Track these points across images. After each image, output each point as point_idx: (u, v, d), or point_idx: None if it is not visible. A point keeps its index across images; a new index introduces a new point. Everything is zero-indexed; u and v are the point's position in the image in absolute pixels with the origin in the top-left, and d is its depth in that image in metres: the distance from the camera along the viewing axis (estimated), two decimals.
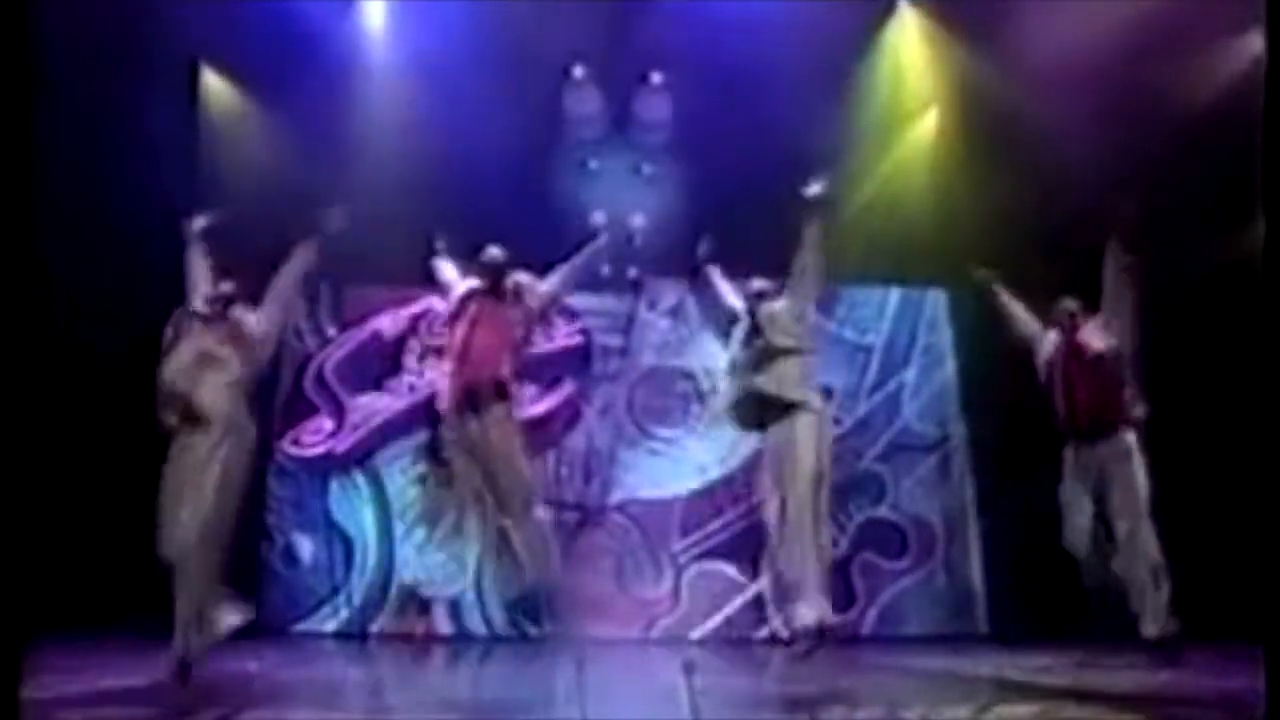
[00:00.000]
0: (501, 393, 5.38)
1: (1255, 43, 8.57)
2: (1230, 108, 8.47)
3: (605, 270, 9.61)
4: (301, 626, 8.66)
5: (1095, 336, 6.07)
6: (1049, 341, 6.27)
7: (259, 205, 8.49)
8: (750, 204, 9.04)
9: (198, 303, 5.31)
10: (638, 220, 9.63)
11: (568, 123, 9.31)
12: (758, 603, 9.00)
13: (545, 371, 9.42)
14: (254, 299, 5.46)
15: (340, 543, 8.92)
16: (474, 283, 5.68)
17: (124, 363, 8.56)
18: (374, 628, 8.73)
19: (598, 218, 9.52)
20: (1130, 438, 6.00)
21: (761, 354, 5.55)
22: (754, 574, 9.04)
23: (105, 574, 8.04)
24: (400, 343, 9.45)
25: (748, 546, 9.06)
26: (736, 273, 9.68)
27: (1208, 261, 9.05)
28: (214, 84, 8.98)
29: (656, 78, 9.23)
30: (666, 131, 9.43)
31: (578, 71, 9.12)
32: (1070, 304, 6.21)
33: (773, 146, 8.77)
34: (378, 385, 9.31)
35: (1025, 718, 4.24)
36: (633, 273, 9.72)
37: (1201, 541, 8.46)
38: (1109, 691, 4.92)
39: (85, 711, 3.97)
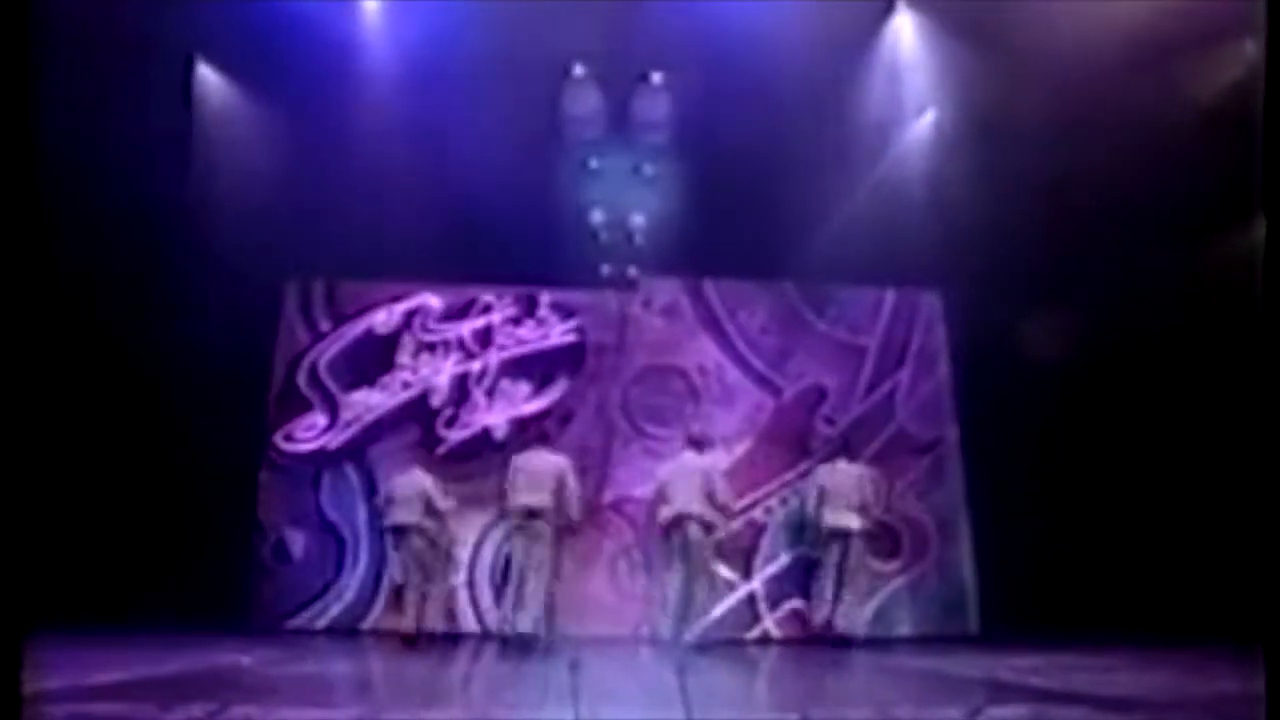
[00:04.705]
0: None
1: (1250, 46, 8.60)
2: (1229, 109, 8.50)
3: (605, 269, 9.64)
4: (293, 623, 8.61)
5: None
6: None
7: (253, 199, 8.54)
8: (750, 203, 9.09)
9: None
10: (638, 219, 9.62)
11: (567, 122, 9.28)
12: (750, 602, 8.99)
13: (539, 369, 9.43)
14: None
15: (332, 539, 8.87)
16: None
17: (123, 356, 8.60)
18: (365, 625, 8.70)
19: (596, 216, 9.54)
20: None
21: None
22: (747, 574, 9.03)
23: (103, 569, 8.05)
24: (394, 338, 9.43)
25: (741, 546, 9.07)
26: (734, 272, 9.81)
27: (1204, 261, 9.08)
28: (209, 79, 8.92)
29: (657, 77, 9.20)
30: (667, 131, 9.41)
31: (577, 70, 9.09)
32: None
33: (773, 146, 8.80)
34: (371, 381, 9.28)
35: (1015, 719, 4.23)
36: (632, 271, 9.70)
37: (1200, 542, 8.52)
38: (1099, 694, 4.92)
39: (81, 705, 3.96)
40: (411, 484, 8.06)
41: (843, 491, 8.36)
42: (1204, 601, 8.04)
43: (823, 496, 8.40)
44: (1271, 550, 5.62)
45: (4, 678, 2.90)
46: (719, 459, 8.83)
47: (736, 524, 8.92)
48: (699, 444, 8.24)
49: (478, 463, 9.04)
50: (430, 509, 8.03)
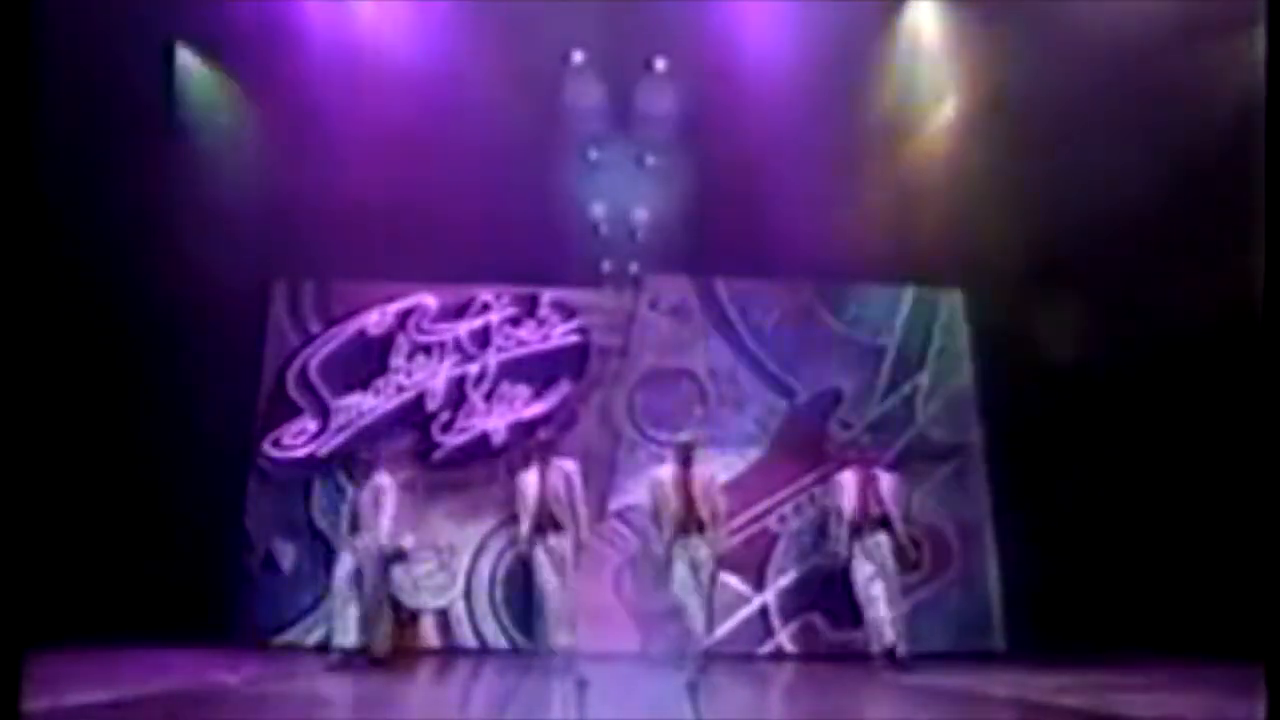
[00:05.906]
0: None
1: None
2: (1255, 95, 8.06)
3: (607, 266, 9.29)
4: (283, 638, 8.27)
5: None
6: None
7: (241, 195, 8.25)
8: (759, 197, 8.71)
9: None
10: (640, 214, 9.27)
11: (567, 112, 8.94)
12: (763, 615, 8.56)
13: (540, 372, 9.07)
14: None
15: (323, 550, 8.45)
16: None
17: (103, 358, 8.31)
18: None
19: (597, 211, 9.20)
20: None
21: None
22: (759, 586, 8.61)
23: (85, 582, 7.75)
24: (388, 340, 9.08)
25: (753, 557, 8.65)
26: (739, 269, 9.44)
27: (1224, 260, 8.63)
28: (197, 72, 8.64)
29: (661, 64, 8.85)
30: (671, 122, 9.05)
31: (577, 57, 8.75)
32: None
33: (783, 138, 8.44)
34: (364, 385, 8.93)
35: None
36: (634, 268, 9.33)
37: (1237, 556, 8.04)
38: (1135, 714, 4.55)
39: None
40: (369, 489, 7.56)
41: (869, 505, 7.55)
42: (1242, 618, 7.55)
43: (840, 514, 7.59)
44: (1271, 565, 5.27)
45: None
46: (714, 468, 8.12)
47: (735, 537, 8.46)
48: (687, 453, 7.51)
49: (475, 469, 8.72)
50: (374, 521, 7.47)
